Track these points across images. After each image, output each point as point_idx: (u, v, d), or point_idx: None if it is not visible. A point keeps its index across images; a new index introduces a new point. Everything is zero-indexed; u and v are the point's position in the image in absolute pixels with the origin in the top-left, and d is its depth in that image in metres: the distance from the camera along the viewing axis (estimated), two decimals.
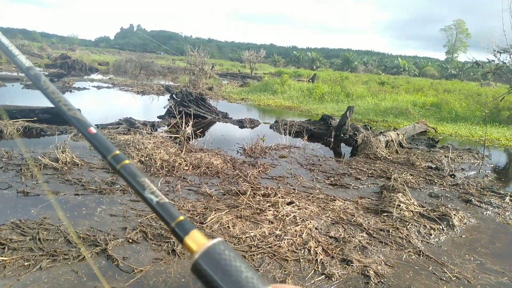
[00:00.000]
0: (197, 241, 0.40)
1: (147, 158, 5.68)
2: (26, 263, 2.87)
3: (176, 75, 26.03)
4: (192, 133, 7.49)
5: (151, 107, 13.03)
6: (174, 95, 10.95)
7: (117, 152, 0.44)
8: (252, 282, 0.37)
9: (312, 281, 3.04)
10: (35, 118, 7.30)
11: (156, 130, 8.13)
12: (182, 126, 7.43)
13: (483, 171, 7.25)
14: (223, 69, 41.58)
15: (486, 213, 5.02)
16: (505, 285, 3.26)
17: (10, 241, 3.12)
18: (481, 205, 5.28)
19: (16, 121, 6.98)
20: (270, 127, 10.33)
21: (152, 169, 5.45)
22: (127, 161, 0.44)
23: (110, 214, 3.88)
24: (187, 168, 5.62)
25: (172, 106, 9.32)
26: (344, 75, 32.18)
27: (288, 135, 8.39)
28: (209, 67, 23.84)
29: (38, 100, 11.39)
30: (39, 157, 5.16)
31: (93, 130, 0.45)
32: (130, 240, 3.41)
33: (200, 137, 8.12)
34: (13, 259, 2.89)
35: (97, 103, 12.97)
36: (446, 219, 4.46)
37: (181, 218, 0.41)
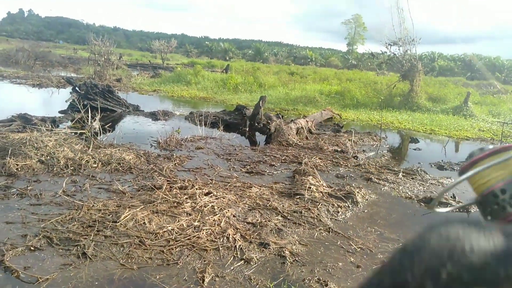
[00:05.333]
0: None
1: (48, 157, 5.16)
2: None
3: (78, 66, 23.97)
4: (99, 128, 7.01)
5: (50, 101, 11.83)
6: (77, 88, 10.08)
7: None
8: None
9: (232, 267, 3.11)
10: None
11: (58, 126, 7.43)
12: (88, 121, 6.90)
13: (380, 152, 8.10)
14: (132, 59, 39.41)
15: (384, 189, 5.63)
16: None
17: None
18: (380, 182, 5.90)
19: None
20: (185, 119, 10.15)
21: (55, 168, 4.98)
22: None
23: (6, 222, 3.47)
24: (95, 165, 5.26)
25: (75, 100, 8.59)
26: (256, 66, 32.92)
27: (203, 126, 8.34)
28: (116, 57, 22.38)
29: None
30: None
31: None
32: (32, 248, 3.10)
33: (109, 132, 7.63)
34: None
35: None
36: (351, 197, 4.89)
37: None
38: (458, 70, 47.19)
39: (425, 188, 5.73)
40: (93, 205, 3.95)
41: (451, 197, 5.27)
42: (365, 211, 4.71)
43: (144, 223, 3.64)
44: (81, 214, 3.72)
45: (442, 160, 7.51)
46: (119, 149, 5.97)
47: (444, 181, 6.10)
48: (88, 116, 6.93)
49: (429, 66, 47.03)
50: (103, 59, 18.23)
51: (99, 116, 7.23)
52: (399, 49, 16.53)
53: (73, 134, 6.60)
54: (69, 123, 7.94)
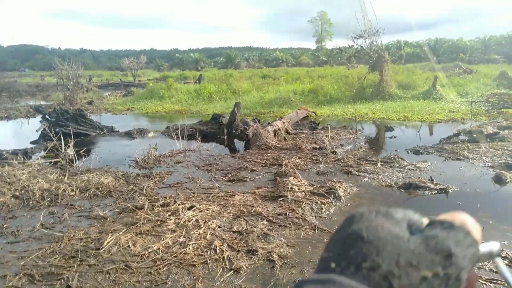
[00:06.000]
0: None
1: (22, 191, 5.02)
2: None
3: (47, 93, 23.45)
4: (74, 154, 6.86)
5: (21, 132, 11.50)
6: (47, 116, 9.86)
7: None
8: None
9: (222, 279, 3.09)
10: None
11: (30, 157, 7.23)
12: (61, 149, 6.74)
13: (358, 144, 8.23)
14: (103, 80, 39.00)
15: (364, 180, 5.72)
16: None
17: None
18: (360, 174, 5.99)
19: None
20: (162, 134, 10.06)
21: (31, 202, 4.84)
22: None
23: None
24: (73, 193, 5.14)
25: (47, 128, 8.38)
26: (229, 73, 33.02)
27: (181, 140, 8.27)
28: (85, 79, 22.02)
29: None
30: None
31: None
32: None
33: (85, 157, 7.48)
34: None
35: None
36: (333, 192, 4.94)
37: None
38: (424, 55, 48.54)
39: (403, 175, 5.85)
40: (74, 235, 3.86)
41: (428, 180, 5.40)
42: (348, 204, 4.78)
43: (128, 246, 3.58)
44: (62, 246, 3.63)
45: (417, 145, 7.69)
46: (96, 174, 5.86)
47: (421, 166, 6.24)
48: (61, 144, 6.77)
49: (397, 54, 48.24)
50: (71, 83, 17.90)
51: (72, 142, 7.08)
52: (365, 42, 16.91)
53: (47, 164, 6.45)
54: (42, 153, 7.75)
